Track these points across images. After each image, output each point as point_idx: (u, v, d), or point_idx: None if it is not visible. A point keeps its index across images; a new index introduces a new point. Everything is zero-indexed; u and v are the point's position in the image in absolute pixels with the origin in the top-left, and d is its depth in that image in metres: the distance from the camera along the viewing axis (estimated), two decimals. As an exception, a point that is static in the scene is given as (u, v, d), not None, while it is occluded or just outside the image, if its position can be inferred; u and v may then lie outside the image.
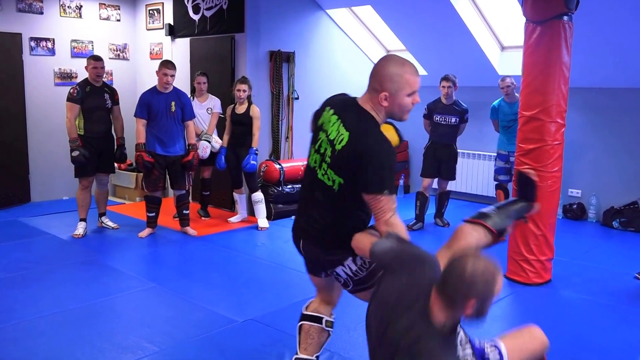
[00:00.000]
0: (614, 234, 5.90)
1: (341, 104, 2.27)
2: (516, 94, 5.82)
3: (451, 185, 6.38)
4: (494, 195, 6.34)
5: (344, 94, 2.37)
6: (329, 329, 2.63)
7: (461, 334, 2.01)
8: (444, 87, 5.82)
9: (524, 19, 4.29)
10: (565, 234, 5.69)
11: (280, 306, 3.77)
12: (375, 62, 2.21)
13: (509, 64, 6.65)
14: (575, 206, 6.47)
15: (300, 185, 6.42)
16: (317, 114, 2.36)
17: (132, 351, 3.06)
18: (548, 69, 4.08)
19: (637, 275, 4.41)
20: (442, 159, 5.94)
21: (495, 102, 6.06)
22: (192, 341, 3.20)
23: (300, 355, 2.59)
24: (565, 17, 4.02)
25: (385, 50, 7.88)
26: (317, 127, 2.31)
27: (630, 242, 5.60)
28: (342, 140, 2.15)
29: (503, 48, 6.78)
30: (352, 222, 2.28)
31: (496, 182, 6.20)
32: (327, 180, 2.22)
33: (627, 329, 3.51)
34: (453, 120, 5.86)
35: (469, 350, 2.04)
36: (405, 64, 2.16)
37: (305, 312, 2.64)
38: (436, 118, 5.91)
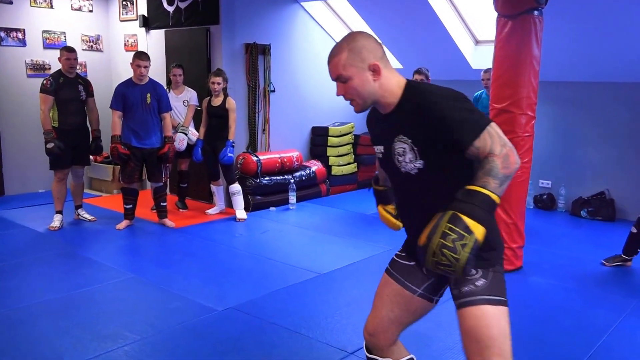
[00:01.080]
0: (582, 223, 6.08)
1: None
2: None
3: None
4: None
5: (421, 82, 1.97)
6: None
7: None
8: (416, 80, 5.86)
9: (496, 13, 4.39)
10: (535, 223, 5.87)
11: (259, 295, 3.82)
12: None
13: (483, 57, 6.77)
14: (545, 197, 6.64)
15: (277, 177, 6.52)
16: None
17: (113, 340, 3.08)
18: (519, 62, 4.18)
19: (603, 262, 4.61)
20: None
21: (477, 93, 6.13)
22: (173, 330, 3.24)
23: None
24: (536, 12, 4.13)
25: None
26: None
27: (597, 230, 5.79)
28: None
29: (477, 42, 6.91)
30: None
31: None
32: None
33: (594, 311, 3.66)
34: None
35: None
36: None
37: None
38: None
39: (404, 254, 2.10)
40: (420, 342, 3.15)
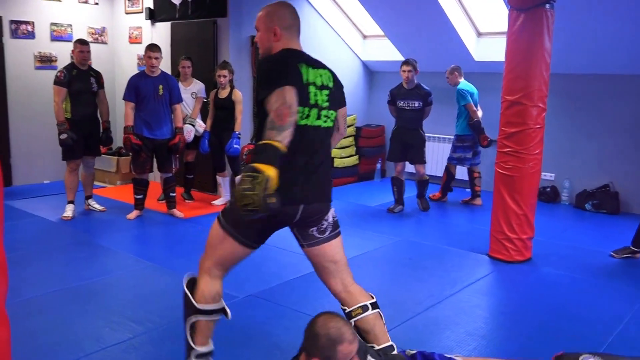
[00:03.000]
0: (587, 216, 6.16)
1: (303, 55, 2.37)
2: (459, 80, 6.16)
3: (435, 170, 6.49)
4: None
5: (288, 50, 2.34)
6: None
7: None
8: (404, 71, 5.81)
9: (500, 6, 4.44)
10: (540, 215, 5.84)
11: (276, 283, 3.89)
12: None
13: (485, 50, 6.85)
14: (548, 189, 6.70)
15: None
16: (295, 75, 2.23)
17: (142, 324, 3.15)
18: (531, 55, 4.25)
19: (612, 254, 4.69)
20: (409, 144, 5.92)
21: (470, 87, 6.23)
22: (199, 315, 3.29)
23: (203, 349, 2.40)
24: (548, 5, 4.20)
25: (362, 36, 8.01)
26: (304, 84, 2.26)
27: (603, 223, 5.87)
28: (329, 79, 2.41)
29: (479, 34, 6.97)
30: None
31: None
32: (330, 122, 2.41)
33: (607, 302, 3.74)
34: (416, 104, 5.84)
35: None
36: None
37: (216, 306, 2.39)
38: (400, 104, 5.91)
39: None
40: (442, 326, 3.23)
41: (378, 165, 7.93)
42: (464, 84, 6.18)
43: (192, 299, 2.33)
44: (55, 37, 6.95)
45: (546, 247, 4.87)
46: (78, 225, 5.18)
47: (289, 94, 2.08)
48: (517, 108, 4.36)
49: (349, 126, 7.62)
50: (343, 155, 7.59)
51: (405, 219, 5.82)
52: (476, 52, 6.94)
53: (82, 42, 5.32)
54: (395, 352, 2.41)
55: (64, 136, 5.12)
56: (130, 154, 5.51)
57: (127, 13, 7.40)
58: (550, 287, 4.02)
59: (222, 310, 2.41)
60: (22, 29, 6.65)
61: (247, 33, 6.49)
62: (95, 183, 7.17)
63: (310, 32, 7.30)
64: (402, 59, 7.34)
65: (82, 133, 5.29)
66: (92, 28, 7.35)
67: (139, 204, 5.51)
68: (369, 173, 7.96)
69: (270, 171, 1.92)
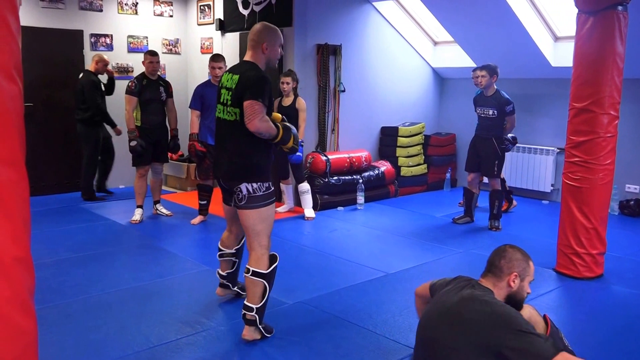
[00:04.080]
0: (673, 232, 5.70)
1: (233, 67, 3.18)
2: (495, 87, 5.63)
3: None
4: (550, 190, 6.26)
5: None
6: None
7: None
8: (476, 77, 5.52)
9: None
10: (621, 230, 5.56)
11: (327, 291, 3.87)
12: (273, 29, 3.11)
13: (563, 54, 6.49)
14: (632, 202, 6.24)
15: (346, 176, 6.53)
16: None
17: (192, 326, 3.26)
18: (600, 60, 4.01)
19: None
20: (481, 154, 5.68)
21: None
22: (246, 320, 3.35)
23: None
24: (620, 7, 3.95)
25: (432, 42, 7.86)
26: (220, 88, 3.16)
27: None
28: (235, 81, 3.03)
29: (556, 38, 6.65)
30: (253, 146, 3.06)
31: None
32: (230, 116, 3.06)
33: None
34: (491, 112, 5.54)
35: None
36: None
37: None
38: (478, 110, 5.70)
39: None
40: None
41: (447, 175, 7.73)
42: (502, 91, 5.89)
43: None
44: (132, 49, 7.35)
45: (622, 264, 4.56)
46: (144, 229, 5.42)
47: None
48: (585, 116, 4.12)
49: (416, 134, 7.49)
50: (411, 164, 7.45)
51: (470, 231, 5.62)
52: (553, 58, 6.61)
53: (151, 54, 5.58)
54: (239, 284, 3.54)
55: (133, 143, 5.39)
56: (195, 160, 5.69)
57: (199, 24, 7.71)
58: (621, 307, 3.75)
59: (225, 254, 3.58)
60: (101, 42, 7.10)
61: (312, 42, 6.56)
62: (167, 189, 7.50)
63: (379, 39, 7.27)
64: (473, 65, 7.15)
65: (151, 140, 5.54)
66: (166, 39, 7.71)
67: (203, 210, 5.68)
68: (438, 182, 7.78)
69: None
